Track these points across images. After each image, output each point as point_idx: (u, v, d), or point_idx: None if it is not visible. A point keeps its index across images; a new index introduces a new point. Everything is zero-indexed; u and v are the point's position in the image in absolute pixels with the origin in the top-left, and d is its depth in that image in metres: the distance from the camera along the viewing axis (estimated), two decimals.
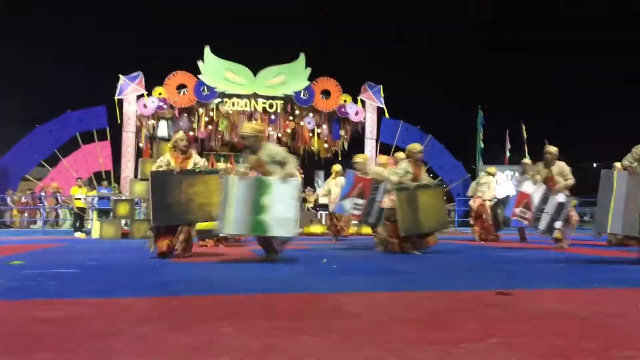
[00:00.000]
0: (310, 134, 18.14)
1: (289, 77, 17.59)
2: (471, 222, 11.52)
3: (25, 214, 18.30)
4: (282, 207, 5.59)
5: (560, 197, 7.86)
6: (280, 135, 18.11)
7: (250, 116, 17.54)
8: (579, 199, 20.44)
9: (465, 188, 19.63)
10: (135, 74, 17.07)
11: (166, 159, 6.51)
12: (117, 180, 17.26)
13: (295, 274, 4.93)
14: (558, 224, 7.79)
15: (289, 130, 18.18)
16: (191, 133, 17.45)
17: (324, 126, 18.04)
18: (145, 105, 16.89)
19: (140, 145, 17.59)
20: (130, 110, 16.99)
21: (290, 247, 8.72)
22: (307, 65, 17.75)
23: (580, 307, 3.18)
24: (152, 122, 17.19)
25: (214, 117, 17.44)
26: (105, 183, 16.34)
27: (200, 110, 17.29)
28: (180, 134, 6.74)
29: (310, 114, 17.84)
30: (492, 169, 12.66)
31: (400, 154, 9.89)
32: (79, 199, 13.73)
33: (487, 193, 11.15)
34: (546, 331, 2.53)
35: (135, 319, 2.76)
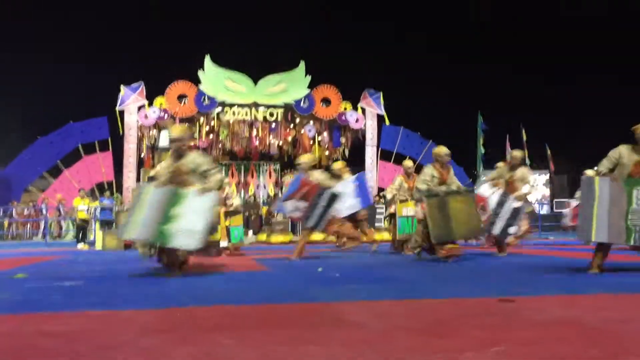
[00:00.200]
0: (311, 142, 18.17)
1: (289, 85, 17.63)
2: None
3: (28, 226, 18.31)
4: (193, 218, 5.36)
5: (517, 203, 7.82)
6: (281, 143, 18.14)
7: (251, 125, 17.58)
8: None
9: None
10: (136, 84, 17.13)
11: (164, 165, 6.19)
12: (120, 190, 17.29)
13: (296, 283, 4.93)
14: (512, 229, 7.77)
15: (289, 139, 18.21)
16: (192, 143, 17.49)
17: (325, 134, 18.07)
18: (146, 116, 16.94)
19: (142, 155, 17.62)
20: (132, 120, 17.04)
21: (290, 255, 8.72)
22: (307, 72, 17.79)
23: (585, 314, 3.17)
24: (153, 132, 17.24)
25: (215, 127, 17.48)
26: (107, 194, 16.36)
27: (201, 119, 17.33)
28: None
29: (311, 122, 17.87)
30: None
31: (409, 163, 9.90)
32: (82, 210, 13.75)
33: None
34: (551, 338, 2.52)
35: (138, 331, 2.76)
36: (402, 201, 9.11)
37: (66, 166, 17.60)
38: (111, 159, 17.78)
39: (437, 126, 20.73)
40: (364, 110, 18.18)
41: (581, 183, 5.51)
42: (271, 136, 17.85)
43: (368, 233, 9.65)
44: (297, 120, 17.80)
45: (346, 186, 9.45)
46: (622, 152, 5.38)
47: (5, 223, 17.39)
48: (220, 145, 18.03)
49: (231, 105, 17.34)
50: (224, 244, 8.56)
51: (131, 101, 17.04)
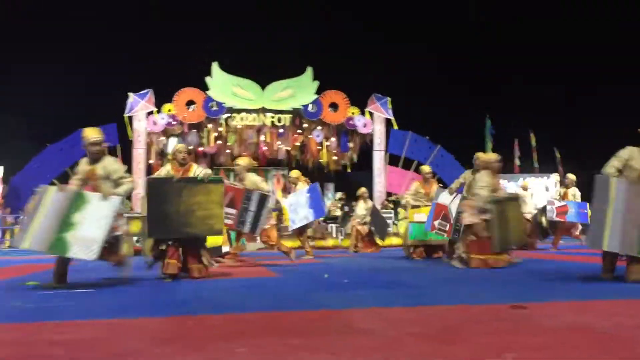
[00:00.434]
0: (319, 147, 18.18)
1: (297, 91, 17.68)
2: None
3: None
4: (91, 227, 5.07)
5: None
6: (289, 149, 18.17)
7: (259, 130, 17.62)
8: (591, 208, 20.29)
9: None
10: (144, 91, 17.22)
11: (165, 170, 6.31)
12: (129, 197, 17.37)
13: (306, 290, 4.93)
14: None
15: (297, 144, 18.24)
16: (200, 148, 17.56)
17: (332, 139, 18.07)
18: (154, 122, 17.03)
19: (151, 162, 17.70)
20: (140, 127, 17.12)
21: (300, 261, 8.73)
22: (314, 78, 17.83)
23: (597, 320, 3.15)
24: (162, 138, 17.32)
25: (223, 132, 17.54)
26: None
27: (209, 125, 17.40)
28: (180, 145, 6.38)
29: (319, 127, 17.89)
30: (525, 183, 12.65)
31: (427, 168, 9.88)
32: None
33: (524, 208, 10.83)
34: (562, 345, 2.51)
35: (150, 339, 2.78)
36: (414, 207, 9.09)
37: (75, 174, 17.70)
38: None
39: (444, 131, 20.58)
40: (371, 115, 18.18)
41: (595, 183, 5.03)
42: (279, 142, 17.88)
43: (306, 247, 9.75)
44: (305, 125, 17.82)
45: (300, 196, 9.48)
46: (633, 153, 5.10)
47: (16, 230, 17.49)
48: (228, 151, 18.08)
49: (239, 111, 17.40)
50: (225, 249, 8.51)
51: (140, 108, 17.13)
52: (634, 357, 2.25)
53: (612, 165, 5.19)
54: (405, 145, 18.48)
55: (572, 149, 21.02)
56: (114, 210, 5.26)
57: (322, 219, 16.28)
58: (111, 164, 5.58)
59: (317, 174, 19.29)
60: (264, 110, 17.42)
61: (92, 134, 5.56)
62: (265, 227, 8.05)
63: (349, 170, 19.10)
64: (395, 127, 18.47)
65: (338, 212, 15.95)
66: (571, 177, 11.92)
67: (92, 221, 5.10)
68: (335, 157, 18.51)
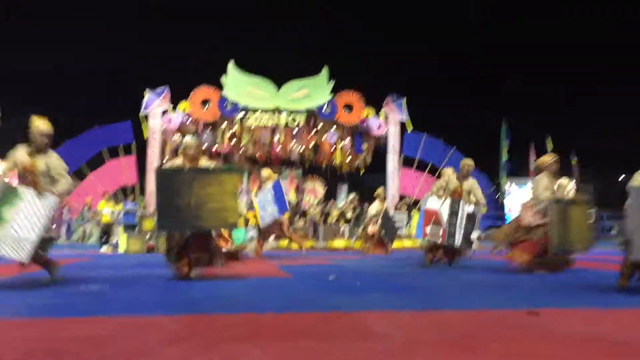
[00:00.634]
0: (333, 148, 18.16)
1: (312, 91, 17.66)
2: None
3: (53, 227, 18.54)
4: (23, 225, 4.75)
5: (469, 208, 7.53)
6: (302, 149, 18.17)
7: (273, 130, 17.65)
8: (607, 212, 20.09)
9: (490, 201, 19.47)
10: (160, 88, 17.30)
11: (176, 164, 6.04)
12: (143, 194, 17.47)
13: (318, 291, 4.93)
14: (475, 234, 7.55)
15: (311, 145, 18.23)
16: (215, 147, 17.63)
17: (347, 140, 18.05)
18: (170, 120, 17.12)
19: (165, 160, 17.79)
20: (156, 125, 17.22)
21: (312, 261, 8.72)
22: (329, 77, 17.81)
23: (611, 330, 3.11)
24: (177, 136, 17.40)
25: (237, 132, 17.58)
26: (131, 197, 16.56)
27: (224, 124, 17.45)
28: (190, 141, 6.03)
29: (333, 128, 17.86)
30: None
31: (449, 169, 9.82)
32: (106, 214, 13.93)
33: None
34: (574, 354, 2.48)
35: (164, 338, 2.78)
36: None
37: (91, 169, 17.86)
38: (135, 163, 18.00)
39: (459, 133, 20.52)
40: (386, 117, 18.12)
41: (631, 194, 4.93)
42: (293, 142, 17.89)
43: (257, 248, 10.04)
44: (320, 126, 17.81)
45: (267, 194, 9.65)
46: None
47: None
48: (242, 151, 18.14)
49: (254, 111, 17.43)
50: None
51: (155, 105, 17.22)
52: None
53: None
54: (419, 148, 18.41)
55: (589, 155, 20.81)
56: (51, 210, 4.95)
57: (334, 219, 16.32)
58: (54, 160, 5.28)
59: (330, 175, 19.31)
60: (278, 110, 17.43)
61: (42, 124, 5.23)
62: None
63: (362, 172, 19.07)
64: (410, 129, 18.38)
65: (350, 214, 15.95)
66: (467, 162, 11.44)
67: (25, 218, 4.78)
68: (349, 159, 18.48)
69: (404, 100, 18.19)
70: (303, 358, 2.40)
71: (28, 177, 5.12)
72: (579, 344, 2.69)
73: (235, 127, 17.45)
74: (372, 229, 11.60)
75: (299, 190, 19.68)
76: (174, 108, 17.22)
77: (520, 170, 22.79)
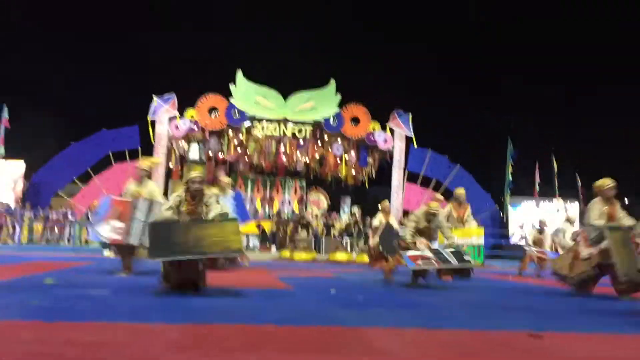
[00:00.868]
0: (338, 161, 18.18)
1: (319, 103, 17.72)
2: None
3: (56, 230, 18.59)
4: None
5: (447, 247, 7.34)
6: (307, 160, 18.19)
7: (279, 141, 17.69)
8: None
9: (493, 220, 19.42)
10: (168, 95, 17.37)
11: (179, 199, 5.60)
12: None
13: (320, 304, 4.90)
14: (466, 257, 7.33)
15: (316, 156, 18.26)
16: (220, 155, 17.67)
17: (352, 153, 18.07)
18: (177, 127, 17.18)
19: (171, 166, 17.84)
20: (162, 131, 17.28)
21: (313, 274, 8.69)
22: (337, 90, 17.86)
23: (613, 355, 3.08)
24: (183, 143, 17.46)
25: (244, 141, 17.63)
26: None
27: (230, 133, 17.50)
28: (195, 174, 5.68)
29: (339, 141, 17.89)
30: (543, 220, 12.00)
31: (461, 191, 9.74)
32: None
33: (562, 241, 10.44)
34: None
35: (164, 346, 2.77)
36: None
37: (96, 173, 17.90)
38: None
39: (464, 151, 20.54)
40: (392, 131, 18.14)
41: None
42: (298, 153, 17.92)
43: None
44: (326, 138, 17.85)
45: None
46: None
47: (39, 227, 17.73)
48: (247, 160, 18.16)
49: (260, 120, 17.48)
50: None
51: (162, 112, 17.29)
52: None
53: None
54: (424, 163, 18.42)
55: (594, 174, 20.69)
56: None
57: (337, 232, 16.28)
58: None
59: (335, 188, 19.31)
60: (285, 121, 17.48)
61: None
62: None
63: (367, 186, 19.06)
64: (415, 144, 18.40)
65: (353, 227, 15.91)
66: (543, 220, 11.22)
67: None
68: (353, 172, 18.48)
69: (409, 116, 18.22)
70: None
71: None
72: None
73: (242, 136, 17.50)
74: (372, 242, 11.57)
75: (303, 201, 19.68)
76: (181, 115, 17.27)
77: (525, 190, 22.69)
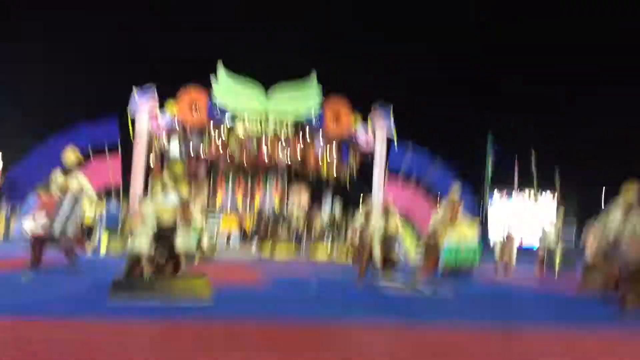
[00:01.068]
0: (319, 159, 18.12)
1: (301, 97, 17.62)
2: None
3: None
4: None
5: None
6: (288, 157, 18.10)
7: (261, 138, 17.57)
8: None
9: (474, 213, 19.51)
10: (148, 87, 17.07)
11: (156, 190, 5.84)
12: (127, 195, 17.25)
13: (298, 302, 4.89)
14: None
15: (297, 153, 18.16)
16: (201, 153, 17.50)
17: (333, 150, 18.03)
18: (157, 122, 16.96)
19: (151, 162, 17.60)
20: (142, 125, 17.03)
21: (293, 272, 8.68)
22: (318, 81, 17.75)
23: (587, 351, 3.11)
24: (163, 139, 17.25)
25: (224, 138, 17.48)
26: (114, 199, 16.34)
27: (211, 130, 17.34)
28: (176, 161, 5.57)
29: (320, 138, 17.84)
30: None
31: (455, 194, 9.80)
32: (88, 215, 13.73)
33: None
34: None
35: (147, 344, 2.75)
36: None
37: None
38: (119, 162, 17.75)
39: (444, 143, 20.54)
40: (374, 128, 18.07)
41: None
42: (279, 150, 17.82)
43: None
44: (307, 135, 17.77)
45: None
46: None
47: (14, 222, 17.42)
48: (228, 157, 18.02)
49: (242, 117, 17.33)
50: None
51: (142, 105, 17.01)
52: None
53: None
54: (405, 160, 18.42)
55: (575, 167, 20.80)
56: None
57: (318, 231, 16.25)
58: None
59: (316, 185, 19.25)
60: (266, 118, 17.36)
61: None
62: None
63: (348, 183, 19.04)
64: (396, 141, 18.35)
65: (334, 225, 15.90)
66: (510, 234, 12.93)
67: None
68: (335, 169, 18.44)
69: (391, 108, 18.14)
70: None
71: None
72: None
73: (223, 134, 17.34)
74: (354, 239, 11.53)
75: (284, 198, 19.61)
76: (161, 107, 17.01)
77: (506, 183, 22.91)
